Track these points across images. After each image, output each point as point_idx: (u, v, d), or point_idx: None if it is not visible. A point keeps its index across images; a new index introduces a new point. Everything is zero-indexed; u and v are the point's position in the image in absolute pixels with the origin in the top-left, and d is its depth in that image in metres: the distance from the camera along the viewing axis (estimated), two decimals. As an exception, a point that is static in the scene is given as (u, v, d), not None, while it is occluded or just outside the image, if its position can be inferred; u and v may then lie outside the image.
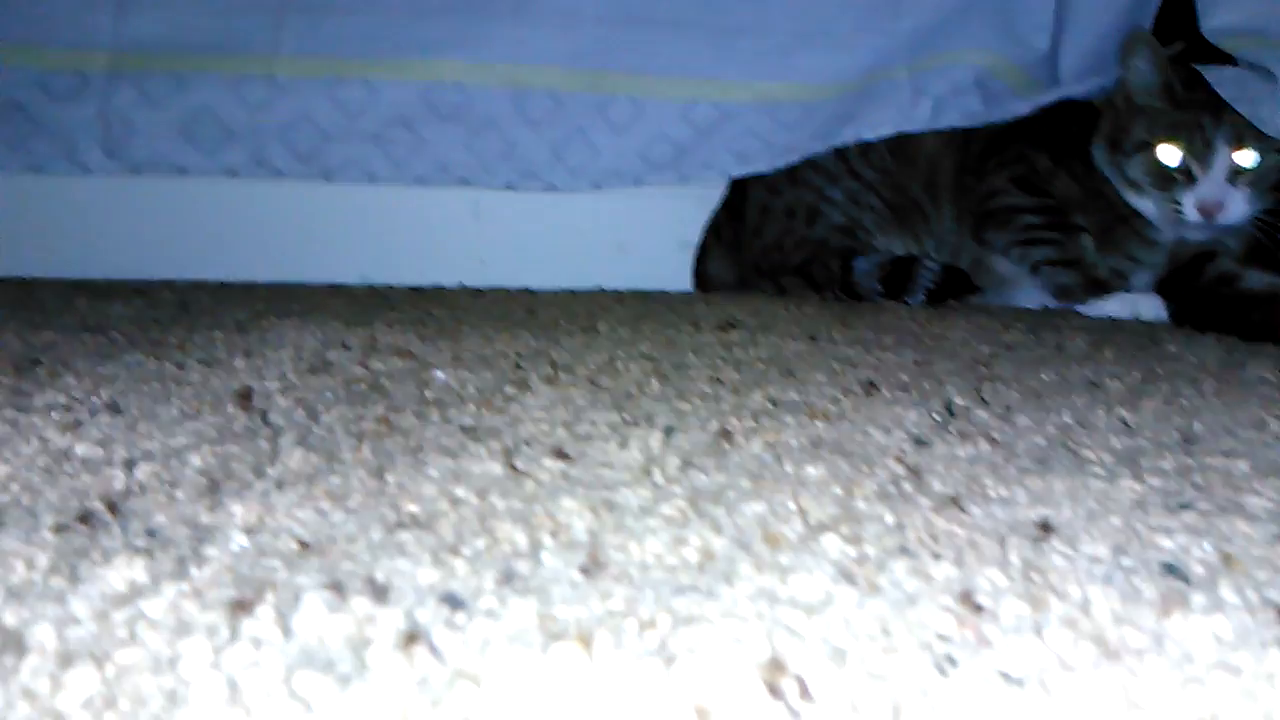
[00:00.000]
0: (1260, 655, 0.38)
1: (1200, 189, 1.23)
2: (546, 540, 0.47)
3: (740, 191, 1.43)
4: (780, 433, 0.68)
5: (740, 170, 1.39)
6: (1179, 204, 1.24)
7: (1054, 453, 0.65)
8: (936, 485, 0.58)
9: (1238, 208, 1.23)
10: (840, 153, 1.38)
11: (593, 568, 0.45)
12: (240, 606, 0.39)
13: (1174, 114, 1.25)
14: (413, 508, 0.50)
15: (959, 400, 0.79)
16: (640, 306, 1.25)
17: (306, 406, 0.68)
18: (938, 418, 0.74)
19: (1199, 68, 1.29)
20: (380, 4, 1.28)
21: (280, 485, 0.53)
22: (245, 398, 0.70)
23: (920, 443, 0.67)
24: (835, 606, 0.41)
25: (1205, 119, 1.23)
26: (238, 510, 0.49)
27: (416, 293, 1.28)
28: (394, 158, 1.30)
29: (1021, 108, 1.37)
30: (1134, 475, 0.60)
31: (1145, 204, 1.28)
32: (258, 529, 0.47)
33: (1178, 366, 0.96)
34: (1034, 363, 0.95)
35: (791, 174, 1.39)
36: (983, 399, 0.80)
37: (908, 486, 0.58)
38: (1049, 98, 1.37)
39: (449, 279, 1.38)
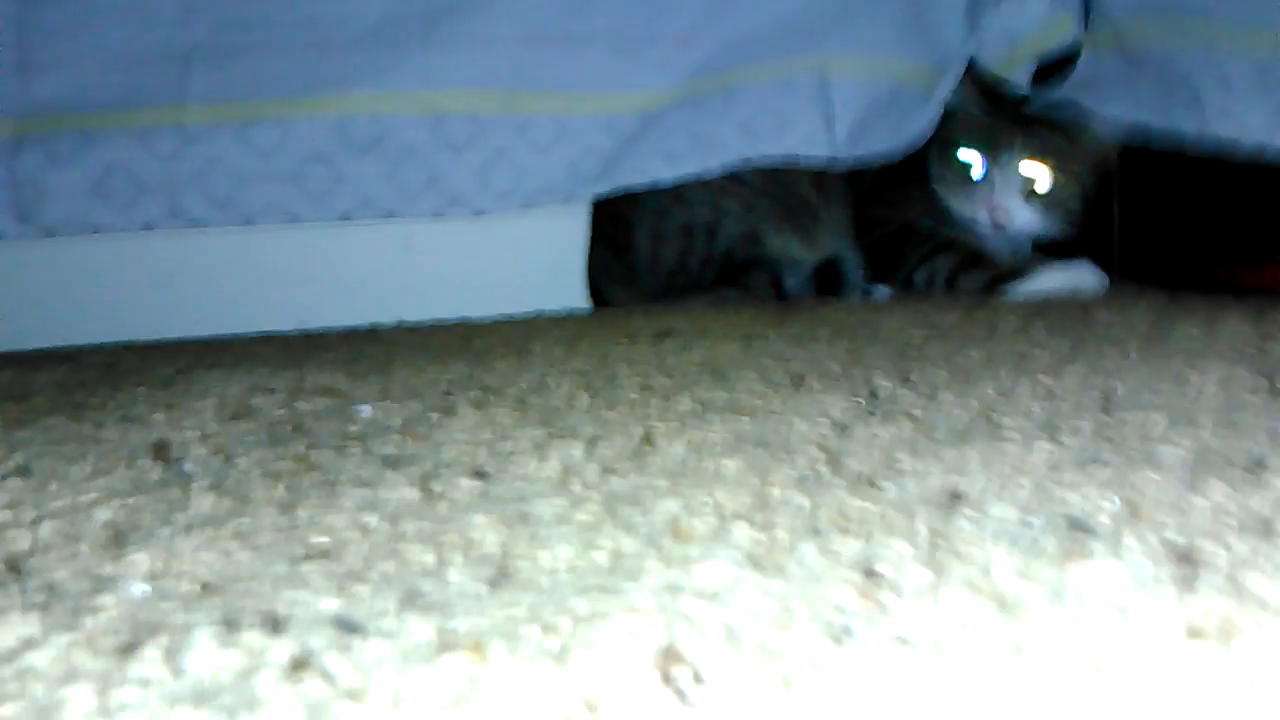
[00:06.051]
0: (1155, 595, 0.38)
1: (990, 196, 1.31)
2: (456, 558, 0.47)
3: (619, 221, 1.43)
4: (704, 432, 0.68)
5: (672, 172, 1.38)
6: (972, 207, 1.31)
7: (974, 425, 0.65)
8: (853, 466, 0.58)
9: (1025, 220, 1.31)
10: None
11: (500, 579, 0.44)
12: (129, 649, 0.38)
13: (986, 122, 1.33)
14: (321, 539, 0.50)
15: (885, 384, 0.79)
16: (577, 326, 1.25)
17: (224, 452, 0.68)
18: (862, 403, 0.74)
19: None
20: (286, 44, 1.27)
21: (187, 530, 0.52)
22: (161, 449, 0.69)
23: (842, 428, 0.67)
24: (738, 592, 0.41)
25: (1011, 133, 1.30)
26: (141, 558, 0.48)
27: (351, 333, 1.28)
28: (314, 195, 1.29)
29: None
30: (1050, 438, 0.61)
31: (951, 201, 1.33)
32: (160, 575, 0.47)
33: (1107, 333, 0.97)
34: (964, 343, 0.96)
35: (677, 194, 1.39)
36: (909, 381, 0.80)
37: (825, 470, 0.58)
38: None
39: (385, 316, 1.37)
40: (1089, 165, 1.34)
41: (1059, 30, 1.43)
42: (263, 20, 1.29)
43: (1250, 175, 1.22)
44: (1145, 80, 1.30)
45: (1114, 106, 1.31)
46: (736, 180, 1.39)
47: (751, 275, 1.38)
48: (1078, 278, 1.28)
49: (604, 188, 1.39)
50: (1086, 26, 1.40)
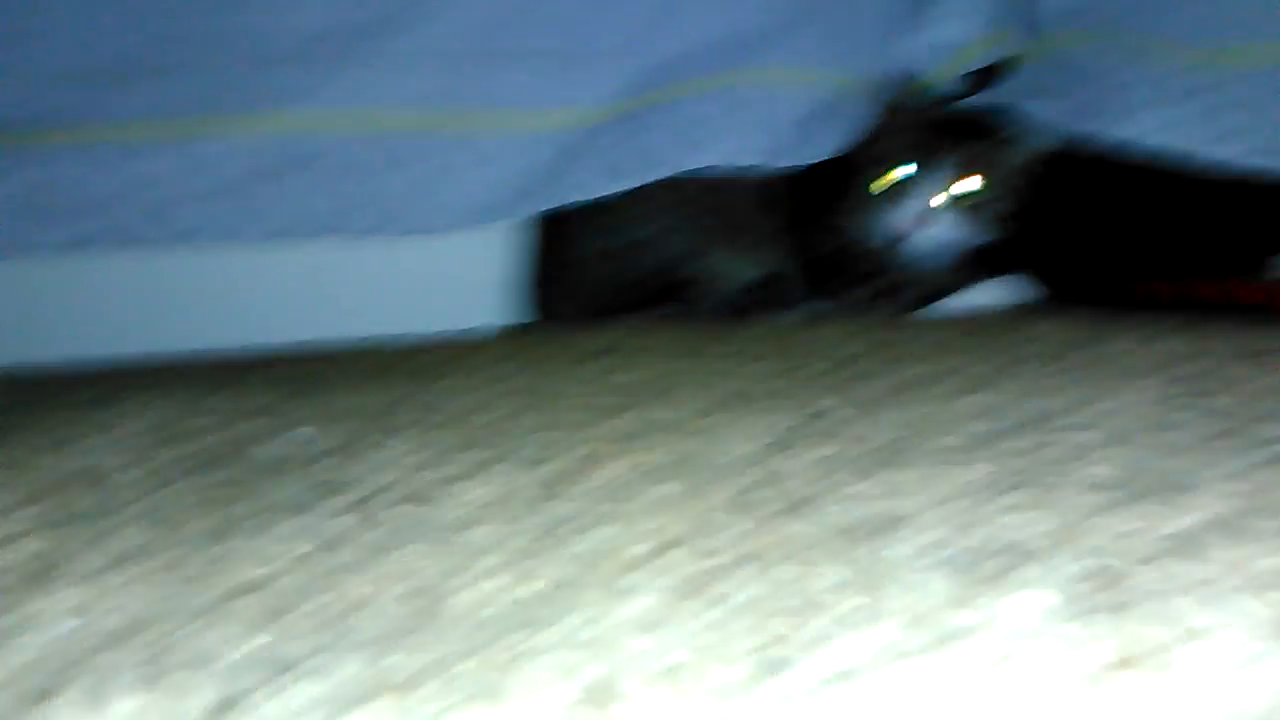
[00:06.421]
0: (1088, 623, 0.39)
1: (920, 208, 1.32)
2: (392, 589, 0.46)
3: (563, 238, 1.43)
4: (647, 452, 0.68)
5: (614, 186, 1.38)
6: (903, 219, 1.32)
7: (914, 444, 0.66)
8: (795, 487, 0.58)
9: (955, 230, 1.33)
10: (664, 182, 1.39)
11: (436, 612, 0.44)
12: (47, 695, 0.37)
13: (918, 134, 1.33)
14: (254, 571, 0.49)
15: (827, 401, 0.79)
16: (523, 341, 1.24)
17: (157, 478, 0.66)
18: (803, 420, 0.74)
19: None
20: (227, 59, 1.26)
21: (117, 563, 0.51)
22: (95, 475, 0.67)
23: (785, 447, 0.67)
24: (677, 623, 0.41)
25: (942, 145, 1.32)
26: (67, 594, 0.47)
27: (293, 350, 1.26)
28: (253, 212, 1.27)
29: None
30: (987, 457, 0.61)
31: (884, 214, 1.35)
32: (86, 610, 0.46)
33: (1044, 347, 0.98)
34: (905, 358, 0.97)
35: (620, 212, 1.40)
36: (850, 398, 0.80)
37: (766, 492, 0.57)
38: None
39: (328, 333, 1.36)
40: (1018, 173, 1.35)
41: (998, 42, 1.45)
42: (200, 36, 1.27)
43: (1178, 189, 1.25)
44: (1083, 90, 1.32)
45: (1052, 114, 1.33)
46: (679, 199, 1.40)
47: (695, 291, 1.39)
48: (1009, 293, 1.30)
49: (547, 204, 1.39)
50: (1027, 37, 1.42)
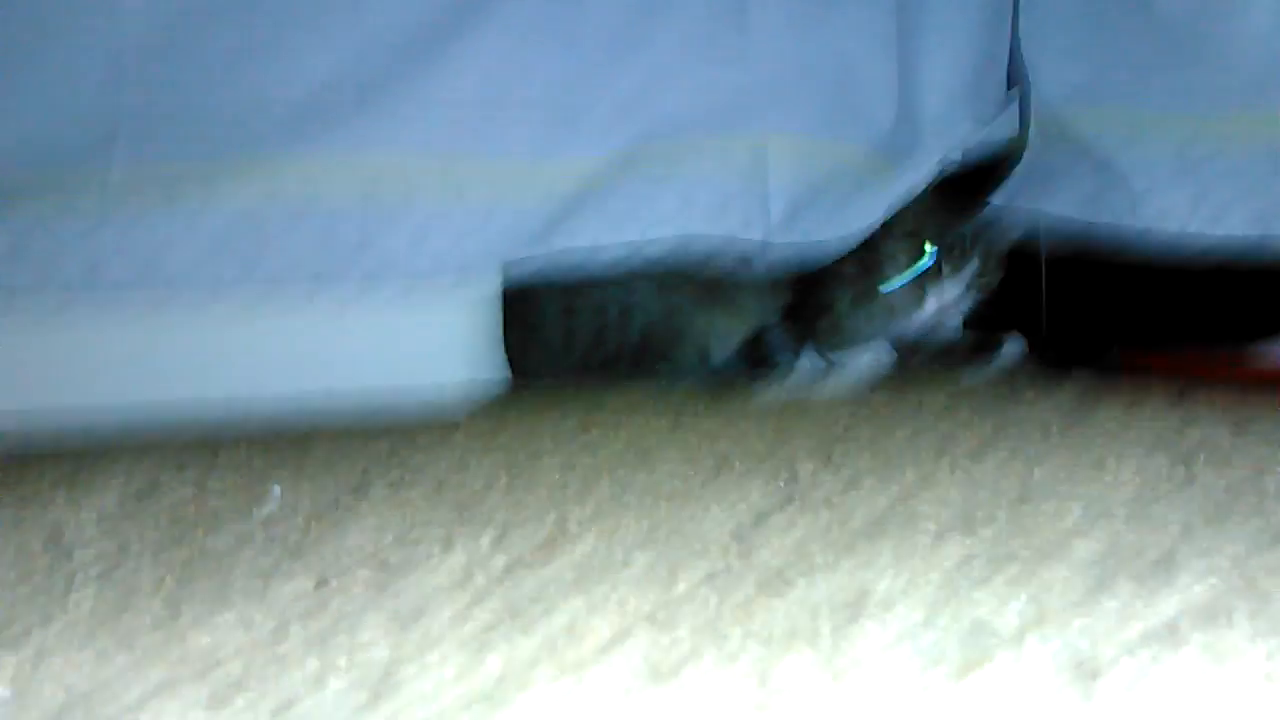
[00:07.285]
0: (1052, 710, 0.37)
1: (943, 290, 1.36)
2: (341, 663, 0.45)
3: (530, 301, 1.42)
4: (619, 519, 0.66)
5: (613, 237, 1.37)
6: (924, 296, 1.36)
7: (891, 514, 0.64)
8: (765, 559, 0.57)
9: (965, 307, 1.38)
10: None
11: (383, 689, 0.42)
12: (-28, 775, 0.36)
13: (939, 216, 1.37)
14: (203, 640, 0.48)
15: (807, 466, 0.78)
16: (506, 400, 1.23)
17: (119, 540, 0.65)
18: (783, 489, 0.73)
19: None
20: (216, 109, 1.25)
21: (66, 630, 0.50)
22: (55, 535, 0.66)
23: (759, 516, 0.66)
24: (628, 705, 0.39)
25: (962, 229, 1.36)
26: (9, 661, 0.46)
27: (274, 406, 1.25)
28: (240, 259, 1.26)
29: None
30: (965, 529, 0.60)
31: (896, 285, 1.39)
32: (27, 679, 0.44)
33: (1030, 414, 0.97)
34: (890, 424, 0.96)
35: (587, 274, 1.39)
36: (832, 464, 0.79)
37: (736, 564, 0.56)
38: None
39: (310, 389, 1.34)
40: (1016, 254, 1.38)
41: (1001, 131, 1.46)
42: (193, 85, 1.27)
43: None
44: (1085, 178, 1.33)
45: (1059, 206, 1.34)
46: (647, 259, 1.39)
47: (676, 350, 1.38)
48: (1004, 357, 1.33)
49: (541, 250, 1.38)
50: (1025, 124, 1.43)
